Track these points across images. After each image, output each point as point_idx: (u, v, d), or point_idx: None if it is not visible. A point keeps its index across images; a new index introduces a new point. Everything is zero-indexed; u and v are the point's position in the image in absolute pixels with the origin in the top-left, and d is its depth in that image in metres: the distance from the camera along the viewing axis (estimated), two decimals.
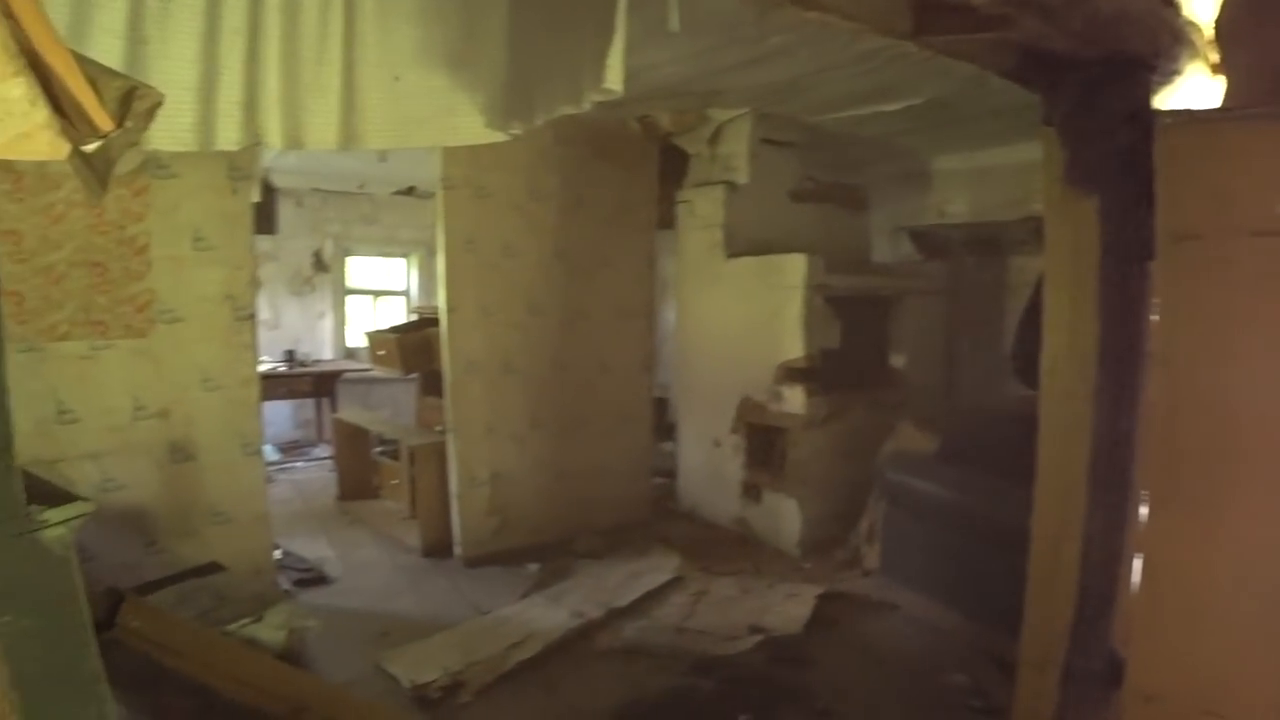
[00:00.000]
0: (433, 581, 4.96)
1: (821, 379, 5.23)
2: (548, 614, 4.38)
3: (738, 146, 5.65)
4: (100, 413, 3.96)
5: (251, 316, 4.34)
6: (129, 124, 1.39)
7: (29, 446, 3.75)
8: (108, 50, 2.48)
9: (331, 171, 8.17)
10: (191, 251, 4.13)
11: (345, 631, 4.19)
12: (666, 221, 6.15)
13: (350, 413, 7.00)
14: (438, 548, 5.29)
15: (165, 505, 4.14)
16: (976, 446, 4.37)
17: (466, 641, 4.04)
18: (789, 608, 4.41)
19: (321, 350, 9.05)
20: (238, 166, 4.24)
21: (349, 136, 2.84)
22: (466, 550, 5.19)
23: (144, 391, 4.05)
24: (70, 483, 3.81)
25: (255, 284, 4.49)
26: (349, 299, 9.52)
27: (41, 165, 3.76)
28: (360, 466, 6.62)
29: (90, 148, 1.38)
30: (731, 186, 5.63)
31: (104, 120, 1.33)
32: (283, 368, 7.92)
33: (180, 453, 4.16)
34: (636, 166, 5.79)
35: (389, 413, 8.60)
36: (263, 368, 7.51)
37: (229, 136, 2.68)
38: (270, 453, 7.96)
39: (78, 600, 1.89)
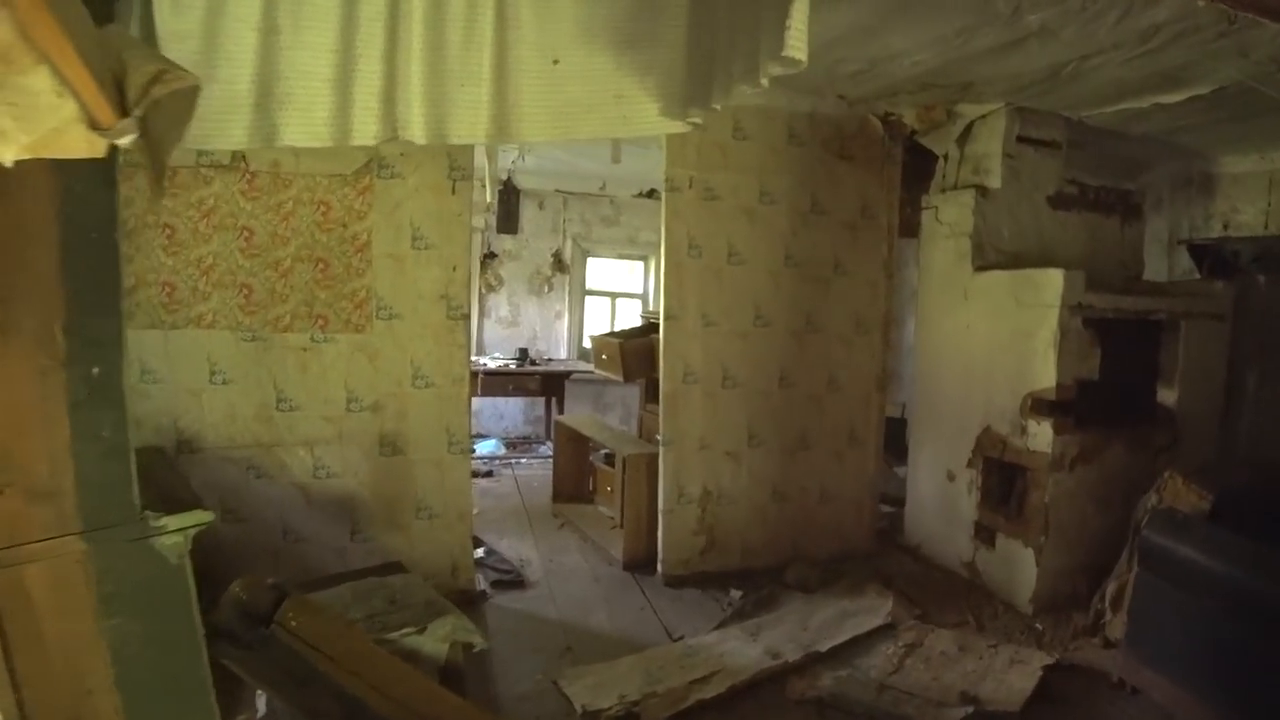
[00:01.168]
0: (629, 597, 4.80)
1: (1075, 414, 4.62)
2: (742, 649, 4.11)
3: (990, 146, 5.10)
4: (317, 402, 4.17)
5: (465, 316, 4.43)
6: (138, 112, 1.26)
7: (249, 430, 4.02)
8: (240, 41, 2.40)
9: (573, 173, 8.27)
10: (410, 250, 4.26)
11: (531, 640, 4.19)
12: (910, 229, 5.70)
13: (572, 416, 6.99)
14: (641, 562, 5.16)
15: (374, 496, 4.31)
16: (1262, 510, 3.71)
17: (650, 669, 3.84)
18: (1011, 677, 3.88)
19: (557, 350, 9.24)
20: (458, 166, 4.32)
21: (501, 128, 2.59)
22: (669, 568, 5.01)
23: (359, 385, 4.23)
24: (282, 466, 4.12)
25: (471, 282, 4.59)
26: (587, 300, 9.68)
27: (275, 165, 3.86)
28: (578, 470, 6.62)
29: (124, 142, 1.26)
30: (982, 191, 5.08)
31: (104, 113, 1.19)
32: (513, 365, 8.03)
33: (390, 446, 4.31)
34: (878, 168, 5.35)
35: (619, 415, 8.70)
36: (494, 364, 7.80)
37: (366, 130, 2.52)
38: (496, 447, 8.28)
39: (190, 608, 1.91)
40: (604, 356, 6.28)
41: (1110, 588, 4.42)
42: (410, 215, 4.23)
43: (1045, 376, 4.57)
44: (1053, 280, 4.52)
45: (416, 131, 2.53)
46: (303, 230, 4.02)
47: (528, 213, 8.90)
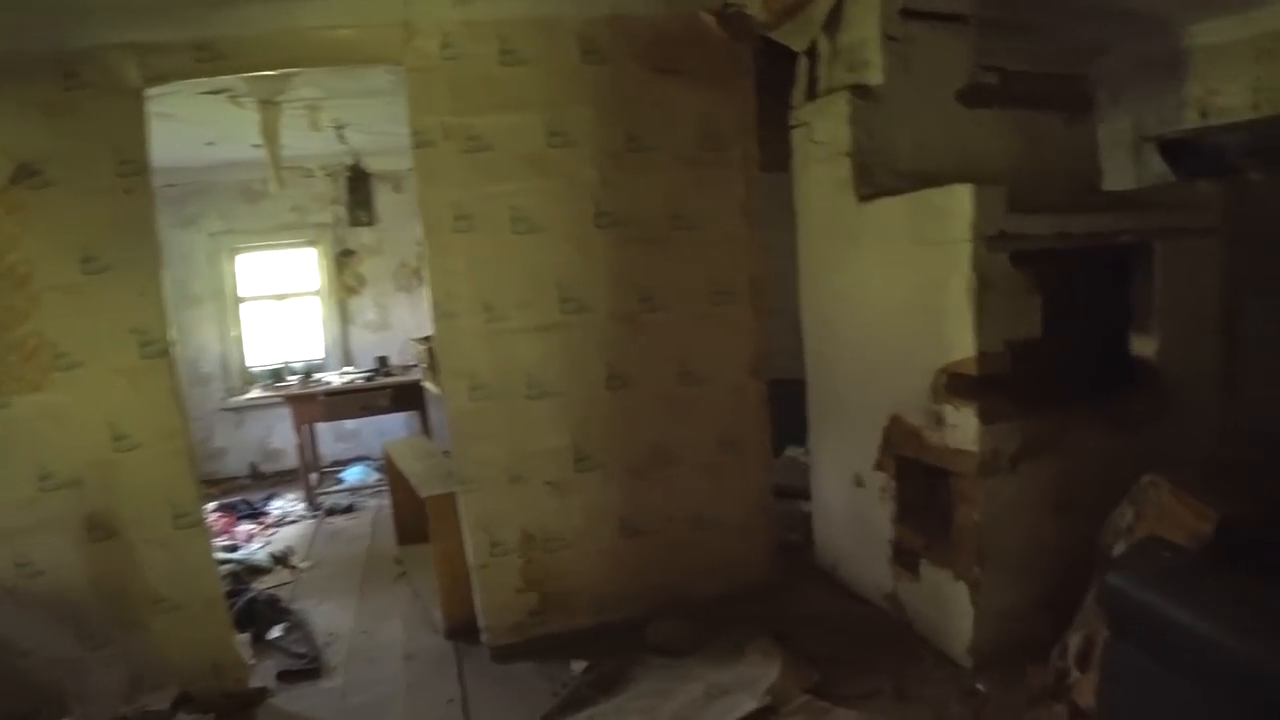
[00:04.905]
0: (439, 684, 3.69)
1: (1011, 391, 3.23)
2: None
3: (866, 29, 3.68)
4: (2, 484, 3.38)
5: (166, 352, 3.50)
6: None
7: None
8: None
9: None
10: (83, 277, 3.37)
11: None
12: (782, 160, 4.25)
13: (399, 442, 5.67)
14: (466, 628, 3.99)
15: (95, 592, 3.50)
16: None
17: None
18: None
19: None
20: (128, 160, 3.40)
21: None
22: (494, 637, 3.88)
23: (49, 456, 3.41)
24: None
25: (164, 307, 3.54)
26: None
27: None
28: (419, 505, 5.28)
29: None
30: (861, 92, 3.66)
31: None
32: (362, 380, 6.66)
33: (101, 528, 3.48)
34: (720, 82, 3.93)
35: None
36: (340, 380, 6.48)
37: None
38: (365, 474, 7.20)
39: None
40: (424, 365, 4.95)
41: (1074, 640, 3.06)
42: (76, 232, 3.32)
43: (962, 343, 3.19)
44: (958, 202, 3.12)
45: None
46: None
47: (384, 199, 7.66)
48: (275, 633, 4.16)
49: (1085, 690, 2.86)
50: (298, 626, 4.28)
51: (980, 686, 3.27)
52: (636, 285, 3.85)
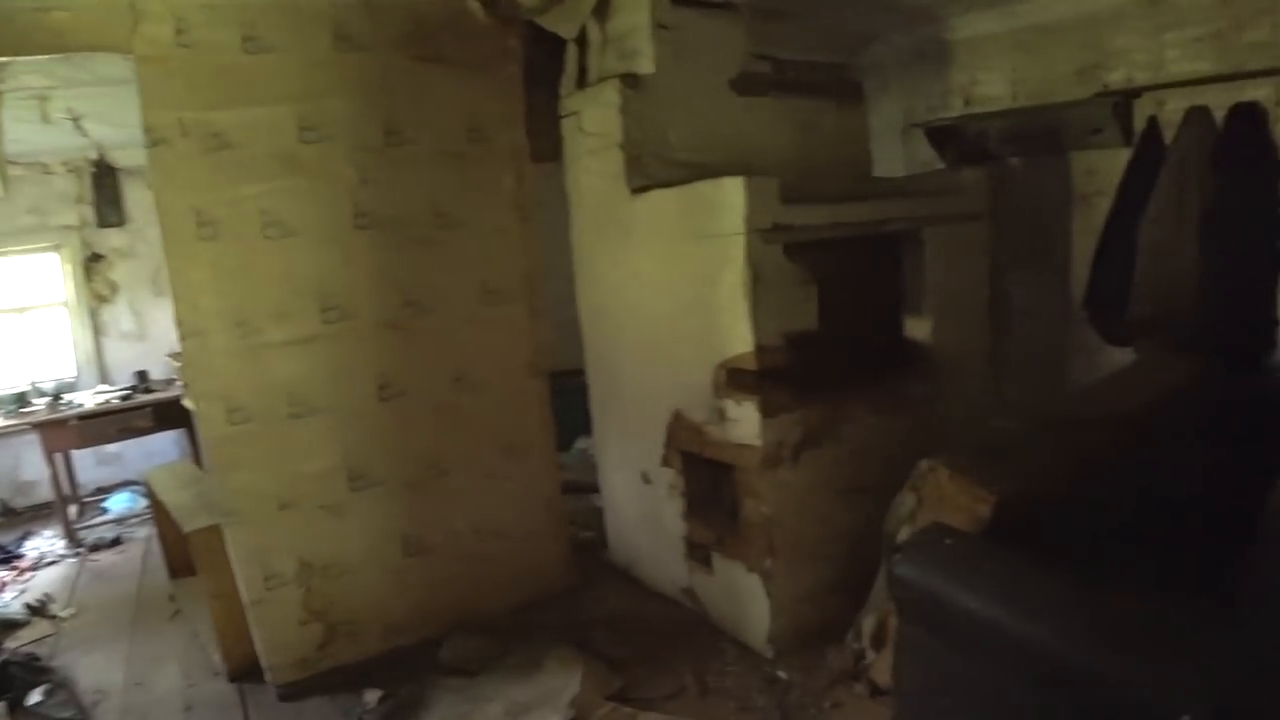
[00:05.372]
0: None
1: (791, 383, 3.21)
2: None
3: (637, 16, 3.57)
4: None
5: None
6: None
7: None
8: None
9: None
10: None
11: None
12: (555, 150, 4.09)
13: (162, 468, 5.13)
14: (247, 670, 3.61)
15: None
16: (1077, 501, 2.49)
17: None
18: None
19: None
20: None
21: None
22: (280, 675, 3.49)
23: None
24: None
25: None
26: None
27: None
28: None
29: None
30: (632, 81, 3.55)
31: None
32: (117, 400, 6.01)
33: None
34: (485, 70, 3.70)
35: None
36: (93, 401, 5.90)
37: None
38: (133, 502, 6.45)
39: None
40: (182, 382, 4.50)
41: (868, 622, 3.09)
42: None
43: (740, 337, 3.13)
44: (730, 195, 3.06)
45: None
46: None
47: (135, 196, 6.84)
48: (35, 697, 3.66)
49: (882, 669, 2.94)
50: (61, 687, 3.79)
51: (781, 674, 3.26)
52: (403, 289, 3.58)
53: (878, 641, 3.04)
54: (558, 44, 3.88)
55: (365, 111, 3.44)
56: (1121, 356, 4.20)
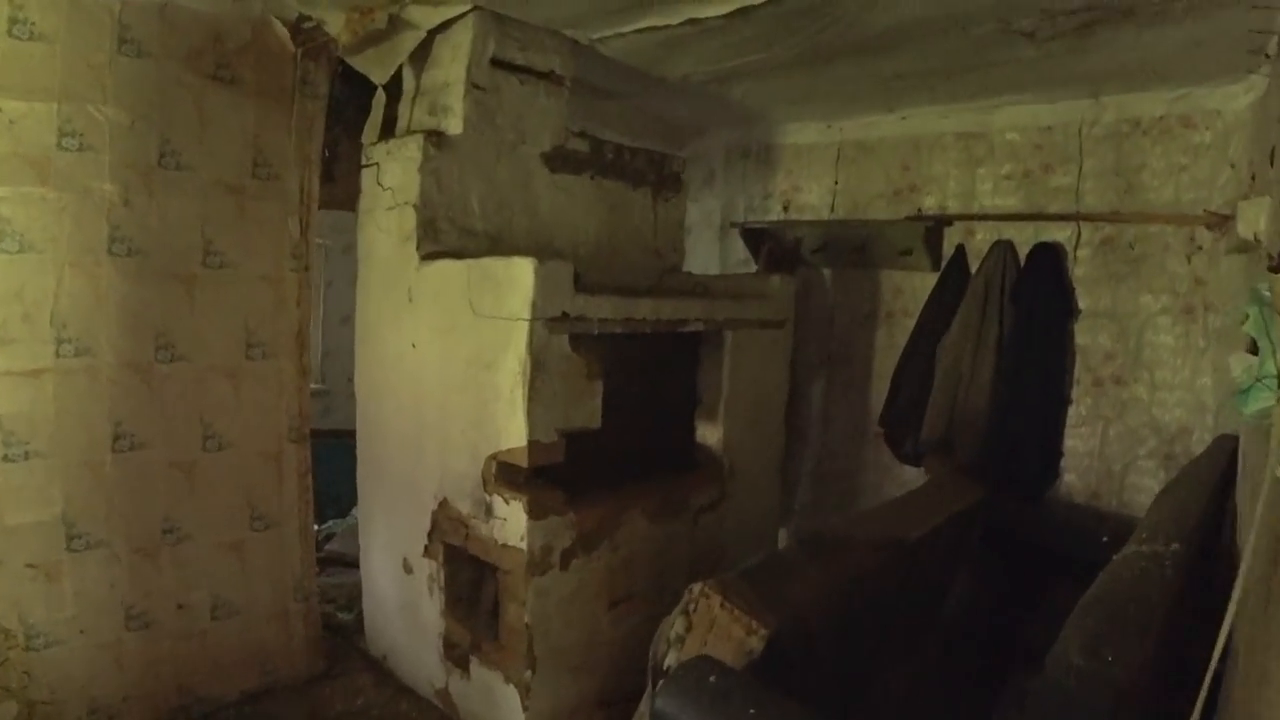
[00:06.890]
0: None
1: (565, 484, 3.00)
2: None
3: (452, 72, 3.34)
4: None
5: None
6: None
7: None
8: None
9: None
10: None
11: None
12: (352, 200, 3.77)
13: None
14: None
15: None
16: (839, 634, 2.41)
17: None
18: None
19: None
20: None
21: None
22: None
23: None
24: None
25: None
26: None
27: None
28: None
29: None
30: (437, 140, 3.30)
31: None
32: None
33: None
34: (283, 102, 3.39)
35: None
36: None
37: None
38: None
39: None
40: None
41: None
42: None
43: (514, 430, 2.89)
44: (519, 276, 2.84)
45: None
46: None
47: None
48: None
49: None
50: None
51: None
52: (155, 328, 3.16)
53: None
54: (370, 87, 3.60)
55: (139, 125, 3.04)
56: (914, 475, 4.23)
